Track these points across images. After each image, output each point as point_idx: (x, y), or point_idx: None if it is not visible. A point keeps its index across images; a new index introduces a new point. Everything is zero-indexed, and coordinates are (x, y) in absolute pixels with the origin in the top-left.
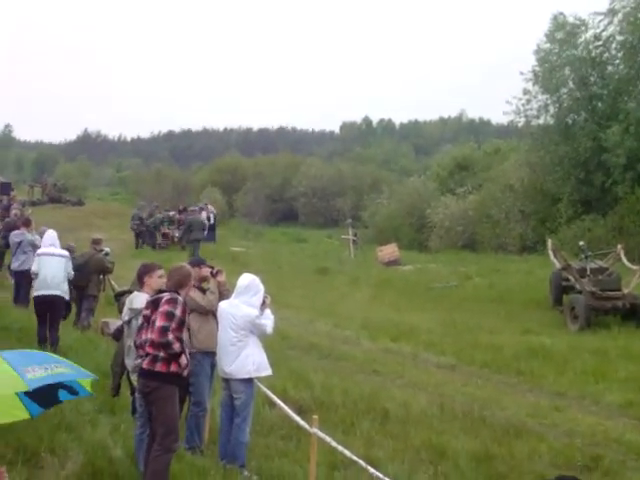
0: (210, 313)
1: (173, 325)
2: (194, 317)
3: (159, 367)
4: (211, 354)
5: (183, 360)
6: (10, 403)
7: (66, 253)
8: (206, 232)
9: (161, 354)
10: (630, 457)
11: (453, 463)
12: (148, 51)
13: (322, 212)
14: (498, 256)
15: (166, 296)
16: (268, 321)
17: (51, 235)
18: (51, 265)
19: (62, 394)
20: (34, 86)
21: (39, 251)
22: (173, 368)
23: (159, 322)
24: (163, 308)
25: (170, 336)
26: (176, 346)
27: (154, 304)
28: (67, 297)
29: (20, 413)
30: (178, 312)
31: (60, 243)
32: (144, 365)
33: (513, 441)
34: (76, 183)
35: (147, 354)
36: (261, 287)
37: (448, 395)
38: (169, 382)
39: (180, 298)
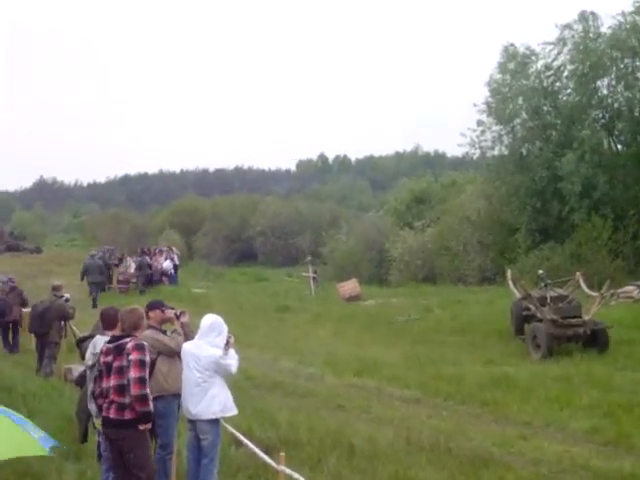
0: (176, 355)
1: (146, 374)
2: (162, 360)
3: (128, 415)
4: (178, 396)
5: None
6: (25, 439)
7: None
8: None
9: (127, 401)
10: None
11: None
12: (101, 95)
13: (281, 250)
14: (458, 288)
15: (131, 342)
16: (232, 361)
17: None
18: None
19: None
20: None
21: None
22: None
23: (135, 373)
24: (135, 357)
25: (147, 389)
26: (150, 399)
27: (116, 350)
28: None
29: (37, 449)
30: (147, 359)
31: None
32: (111, 415)
33: (480, 471)
34: (33, 230)
35: (112, 402)
36: (224, 327)
37: (414, 428)
38: (139, 425)
39: (144, 343)
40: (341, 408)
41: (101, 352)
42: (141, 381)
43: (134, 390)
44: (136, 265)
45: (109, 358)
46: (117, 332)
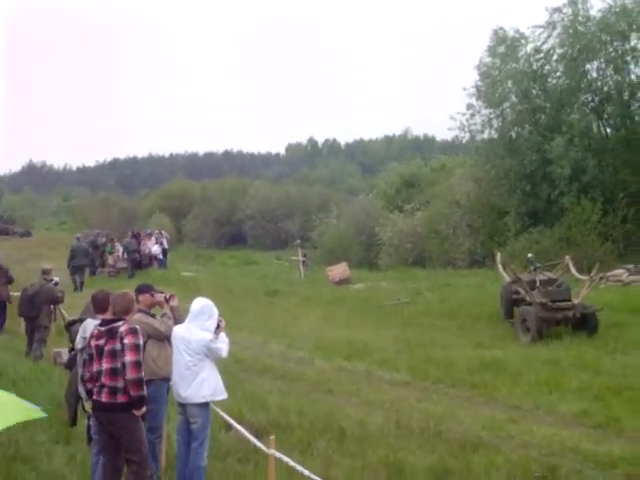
0: (166, 339)
1: (142, 358)
2: (152, 344)
3: (121, 398)
4: (168, 380)
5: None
6: (22, 405)
7: None
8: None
9: (120, 384)
10: (587, 466)
11: (411, 479)
12: (88, 79)
13: (271, 234)
14: (448, 271)
15: (124, 326)
16: (223, 345)
17: None
18: None
19: None
20: None
21: None
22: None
23: (132, 357)
24: (129, 340)
25: (143, 373)
26: (143, 383)
27: (109, 333)
28: None
29: (35, 413)
30: (141, 342)
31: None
32: (103, 399)
33: (470, 455)
34: (23, 214)
35: (103, 385)
36: (215, 311)
37: (404, 411)
38: (131, 409)
39: (137, 327)
40: (331, 392)
41: (91, 335)
42: (137, 365)
43: (130, 374)
44: (124, 249)
45: (101, 341)
46: (108, 316)
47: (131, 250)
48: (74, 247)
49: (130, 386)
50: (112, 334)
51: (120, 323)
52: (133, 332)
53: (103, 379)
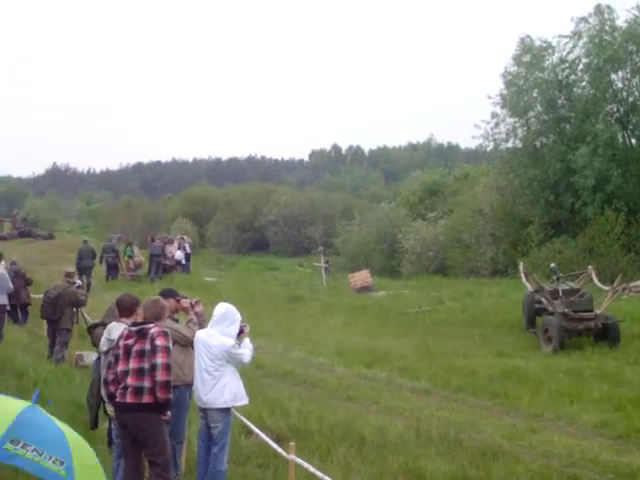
0: (190, 345)
1: (172, 361)
2: (177, 349)
3: (146, 399)
4: (191, 386)
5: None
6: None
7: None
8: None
9: (146, 384)
10: (607, 477)
11: None
12: (113, 84)
13: (293, 240)
14: (470, 280)
15: (155, 328)
16: (246, 350)
17: None
18: None
19: None
20: (1, 121)
21: None
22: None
23: (163, 359)
24: (161, 342)
25: (172, 376)
26: (171, 387)
27: (139, 334)
28: None
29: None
30: (171, 345)
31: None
32: (128, 399)
33: (490, 463)
34: (46, 217)
35: (126, 387)
36: (238, 316)
37: (424, 419)
38: (158, 412)
39: (168, 330)
40: (351, 399)
41: (121, 336)
42: (168, 367)
43: (161, 376)
44: (149, 253)
45: (130, 341)
46: (132, 319)
47: (155, 254)
48: (81, 249)
49: (159, 388)
50: (142, 335)
51: (151, 325)
52: (165, 334)
53: (128, 379)
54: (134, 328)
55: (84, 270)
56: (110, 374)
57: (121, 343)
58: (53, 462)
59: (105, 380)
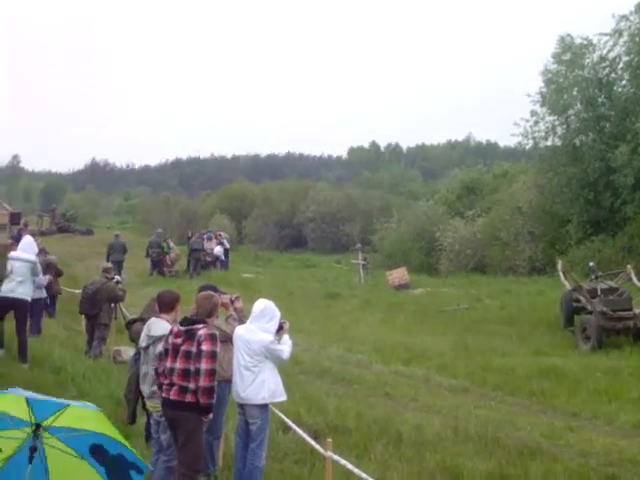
0: (229, 340)
1: (216, 366)
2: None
3: (189, 398)
4: (230, 382)
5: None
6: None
7: (32, 258)
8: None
9: (191, 385)
10: None
11: None
12: (154, 79)
13: (331, 237)
14: (508, 278)
15: (204, 330)
16: (285, 347)
17: (25, 241)
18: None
19: (133, 474)
20: (41, 116)
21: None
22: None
23: (207, 364)
24: (207, 347)
25: (215, 382)
26: (215, 392)
27: (187, 334)
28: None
29: None
30: (218, 349)
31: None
32: (172, 396)
33: (528, 462)
34: (85, 212)
35: (172, 384)
36: (277, 313)
37: (461, 417)
38: (198, 412)
39: (217, 333)
40: (389, 396)
41: (170, 332)
42: (212, 373)
43: (204, 381)
44: (189, 248)
45: (178, 340)
46: (173, 315)
47: (195, 249)
48: (112, 243)
49: (201, 393)
50: (190, 335)
51: (200, 326)
52: (212, 338)
53: (175, 377)
54: (183, 328)
55: (113, 264)
56: (161, 366)
57: (170, 340)
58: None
59: (156, 370)
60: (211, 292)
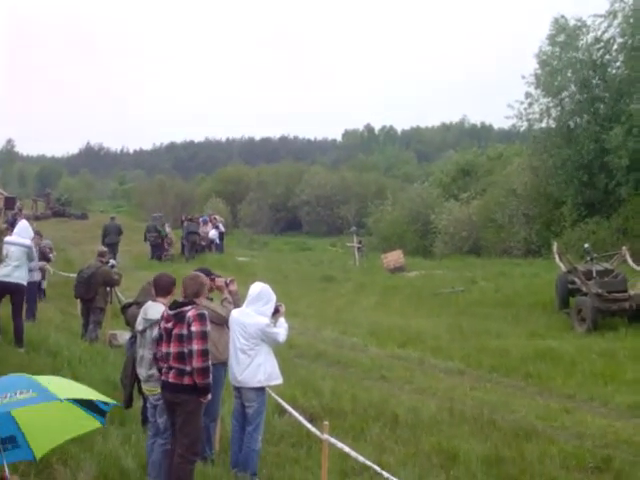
0: (224, 323)
1: (207, 346)
2: (213, 328)
3: (187, 380)
4: (226, 364)
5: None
6: (78, 414)
7: (28, 242)
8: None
9: (187, 368)
10: None
11: (464, 467)
12: (148, 63)
13: (326, 220)
14: (503, 260)
15: (192, 311)
16: (281, 329)
17: (21, 225)
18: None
19: (99, 404)
20: (35, 100)
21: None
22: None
23: (198, 345)
24: (197, 328)
25: (209, 361)
26: (211, 370)
27: (176, 317)
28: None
29: (90, 423)
30: (208, 329)
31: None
32: (170, 379)
33: (523, 444)
34: (79, 196)
35: (170, 367)
36: (273, 296)
37: (457, 400)
38: (197, 394)
39: (205, 312)
40: (384, 378)
41: (162, 318)
42: (204, 353)
43: (197, 362)
44: (183, 233)
45: (169, 325)
46: (169, 299)
47: (190, 232)
48: (107, 225)
49: (196, 374)
50: (180, 318)
51: (188, 308)
52: (201, 318)
53: (171, 361)
54: (172, 312)
55: (108, 247)
56: (158, 351)
57: (162, 325)
58: (20, 394)
59: (154, 355)
60: (197, 273)
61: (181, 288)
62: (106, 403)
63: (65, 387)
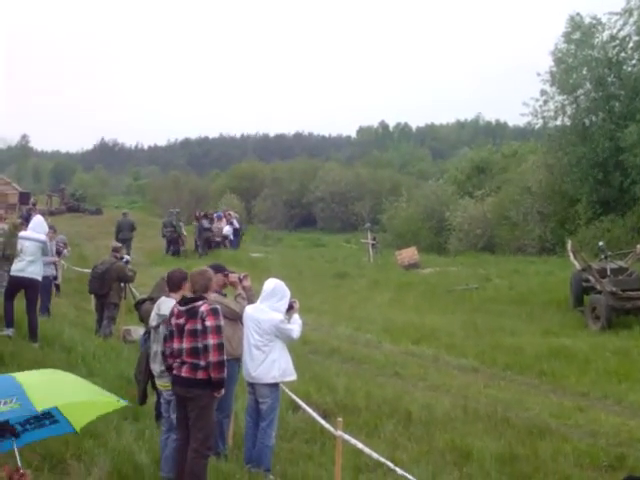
0: (238, 319)
1: (223, 340)
2: (226, 324)
3: (200, 375)
4: (240, 360)
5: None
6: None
7: (42, 237)
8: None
9: (201, 363)
10: None
11: (478, 464)
12: (164, 59)
13: (340, 217)
14: (517, 258)
15: (205, 306)
16: (295, 326)
17: (35, 220)
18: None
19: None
20: (50, 96)
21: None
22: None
23: (214, 339)
24: (211, 322)
25: (225, 355)
26: (225, 366)
27: (189, 313)
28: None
29: (114, 403)
30: (222, 323)
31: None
32: (183, 373)
33: (537, 442)
34: (94, 192)
35: (183, 362)
36: (287, 292)
37: (471, 397)
38: (211, 389)
39: (218, 307)
40: (398, 375)
41: (171, 314)
42: (220, 347)
43: (214, 356)
44: (196, 229)
45: (181, 320)
46: (180, 294)
47: (205, 229)
48: (120, 221)
49: (212, 368)
50: (192, 314)
51: (200, 303)
52: (214, 313)
53: (184, 357)
54: (183, 308)
55: (122, 242)
56: (168, 347)
57: (173, 321)
58: (4, 404)
59: (163, 353)
60: (205, 268)
61: (189, 283)
62: (54, 421)
63: (54, 391)
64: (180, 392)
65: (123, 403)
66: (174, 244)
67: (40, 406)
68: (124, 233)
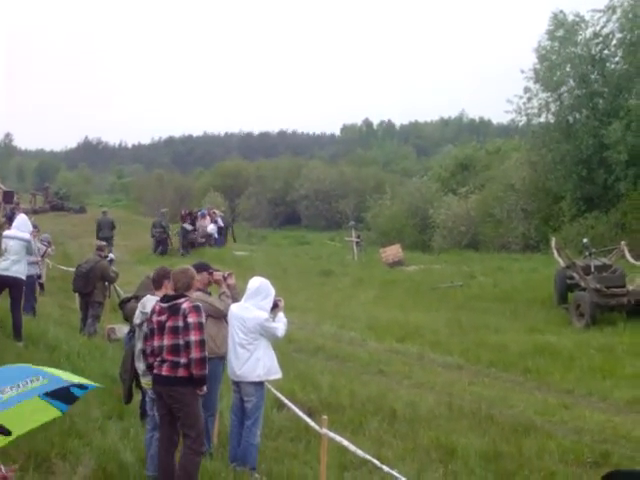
0: (223, 317)
1: (205, 337)
2: (210, 322)
3: (181, 372)
4: (224, 358)
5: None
6: (38, 406)
7: (27, 236)
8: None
9: (182, 360)
10: (639, 453)
11: (462, 462)
12: (147, 57)
13: (325, 215)
14: (501, 255)
15: (187, 303)
16: (280, 324)
17: (19, 219)
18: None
19: (75, 390)
20: (34, 94)
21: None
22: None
23: (196, 336)
24: (193, 319)
25: (206, 352)
26: (207, 362)
27: (171, 310)
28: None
29: (52, 412)
30: (204, 321)
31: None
32: (164, 372)
33: (522, 439)
34: (78, 190)
35: (163, 360)
36: (272, 290)
37: (456, 394)
38: (192, 386)
39: (200, 304)
40: (383, 373)
41: (153, 311)
42: (202, 344)
43: (195, 353)
44: (180, 231)
45: (162, 317)
46: (162, 292)
47: (187, 231)
48: (100, 220)
49: (194, 365)
50: (174, 311)
51: (182, 300)
52: (196, 310)
53: (165, 354)
54: (165, 304)
55: (103, 241)
56: (148, 346)
57: (154, 319)
58: (31, 381)
59: (144, 351)
60: (187, 266)
61: (171, 282)
62: (83, 386)
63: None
64: (161, 391)
65: (58, 414)
66: (163, 244)
67: (69, 378)
68: (104, 232)
